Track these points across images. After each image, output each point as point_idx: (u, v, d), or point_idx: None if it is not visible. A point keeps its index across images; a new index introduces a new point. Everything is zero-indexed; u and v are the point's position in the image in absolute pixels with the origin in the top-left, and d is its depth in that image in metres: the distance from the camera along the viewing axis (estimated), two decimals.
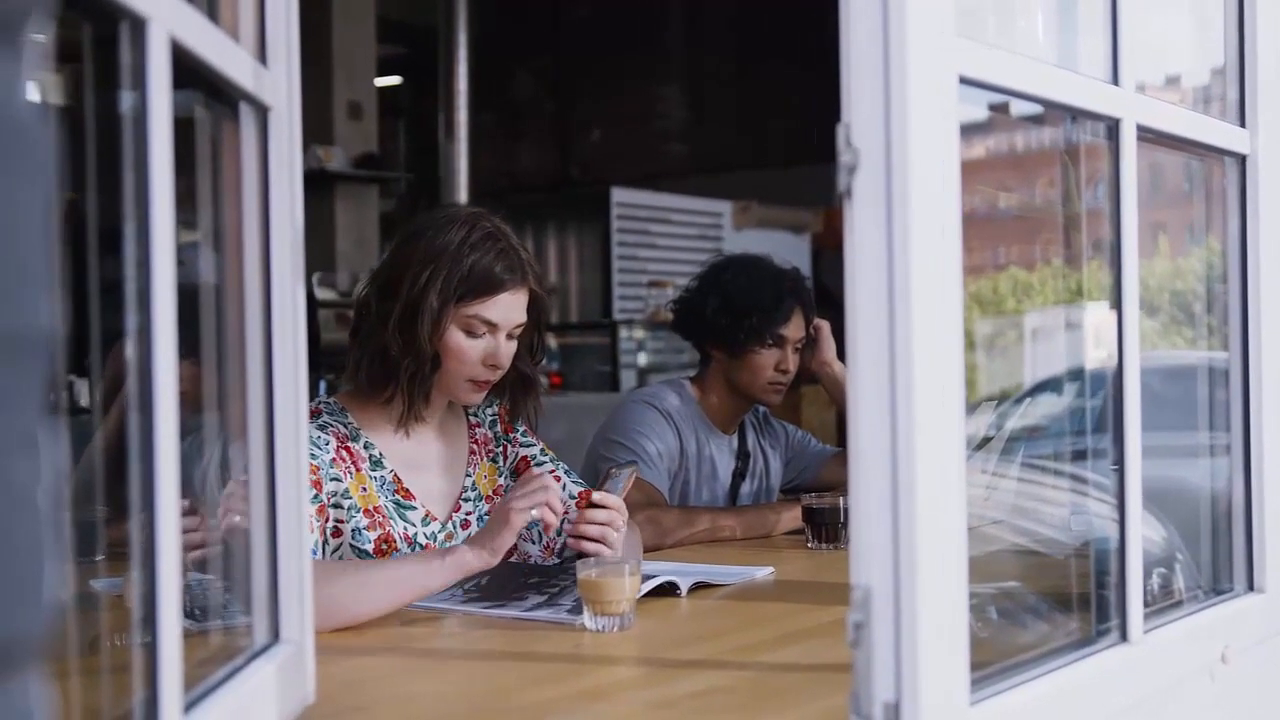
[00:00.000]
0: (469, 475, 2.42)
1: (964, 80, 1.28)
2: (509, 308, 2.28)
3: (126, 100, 1.04)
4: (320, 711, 1.48)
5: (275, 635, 1.41)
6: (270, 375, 1.40)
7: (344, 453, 2.24)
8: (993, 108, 1.54)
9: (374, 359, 2.27)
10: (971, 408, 1.34)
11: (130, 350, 1.05)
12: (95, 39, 1.05)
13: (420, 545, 2.29)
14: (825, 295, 5.18)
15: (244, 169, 1.38)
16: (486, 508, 2.41)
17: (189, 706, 1.12)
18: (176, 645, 1.05)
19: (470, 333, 2.26)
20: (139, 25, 1.02)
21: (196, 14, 1.14)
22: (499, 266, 2.25)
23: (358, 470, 2.26)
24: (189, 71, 1.14)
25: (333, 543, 2.19)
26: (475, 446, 2.45)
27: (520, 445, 2.50)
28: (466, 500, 2.40)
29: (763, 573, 2.42)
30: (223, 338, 1.40)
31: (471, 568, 2.03)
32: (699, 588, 2.26)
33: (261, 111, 1.39)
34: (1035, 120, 1.82)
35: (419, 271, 2.23)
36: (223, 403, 1.43)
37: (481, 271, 2.24)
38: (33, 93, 0.62)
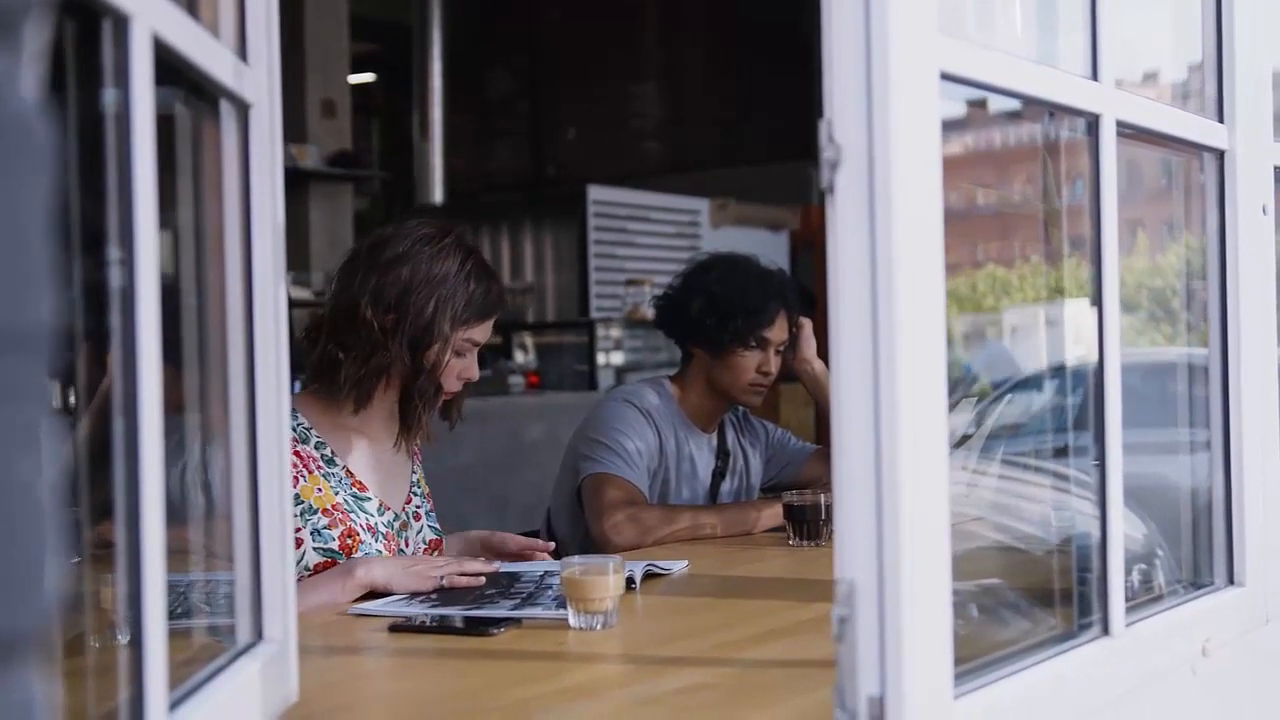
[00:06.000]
0: (415, 473, 2.55)
1: (945, 76, 1.29)
2: (491, 328, 2.46)
3: (108, 97, 1.04)
4: (303, 711, 1.48)
5: (259, 634, 1.40)
6: (252, 375, 1.40)
7: (294, 457, 2.27)
8: (971, 104, 1.54)
9: (374, 376, 2.35)
10: (951, 404, 1.34)
11: (112, 351, 1.04)
12: (75, 35, 1.04)
13: (381, 534, 2.38)
14: (802, 293, 5.18)
15: (224, 167, 1.38)
16: (429, 505, 2.56)
17: (173, 705, 1.11)
18: (162, 645, 1.04)
19: (458, 353, 2.39)
20: (121, 22, 1.02)
21: (178, 10, 1.14)
22: (495, 294, 2.42)
23: (310, 472, 2.33)
24: (169, 68, 1.14)
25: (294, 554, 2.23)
26: (416, 449, 2.57)
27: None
28: (415, 494, 2.53)
29: (678, 566, 2.45)
30: (203, 338, 1.39)
31: (375, 581, 2.17)
32: (649, 577, 2.32)
33: (242, 109, 1.38)
34: (1013, 117, 1.82)
35: (423, 299, 2.33)
36: (203, 404, 1.42)
37: (481, 300, 2.39)
38: (31, 89, 0.62)
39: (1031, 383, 2.55)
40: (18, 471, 0.59)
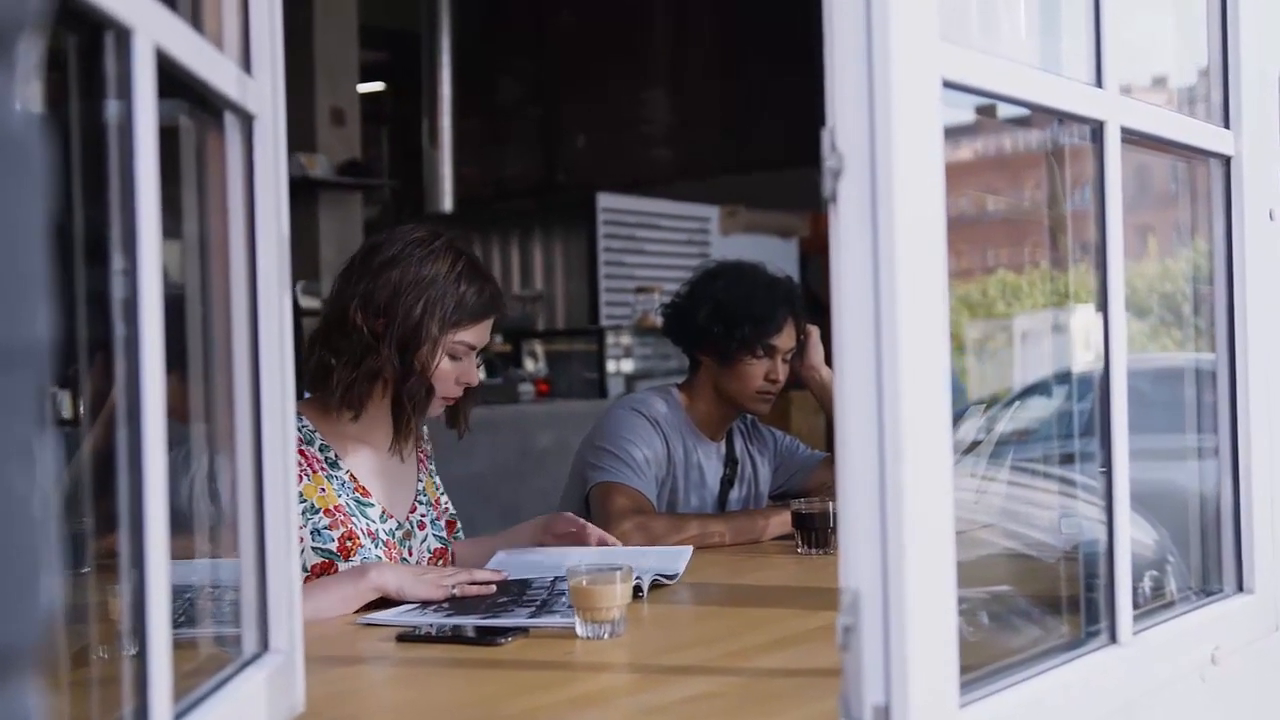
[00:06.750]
0: (420, 481, 2.54)
1: (948, 84, 1.29)
2: (487, 332, 2.44)
3: (111, 109, 1.04)
4: None
5: (264, 645, 1.41)
6: (257, 386, 1.40)
7: (298, 456, 2.27)
8: (979, 110, 1.54)
9: (366, 380, 2.35)
10: (961, 411, 1.34)
11: (116, 361, 1.05)
12: (79, 47, 1.05)
13: (382, 541, 2.38)
14: (812, 300, 5.18)
15: (229, 178, 1.38)
16: (435, 513, 2.55)
17: (178, 716, 1.11)
18: (166, 656, 1.04)
19: (453, 357, 2.38)
20: (124, 35, 1.02)
21: (181, 23, 1.14)
22: (487, 296, 2.40)
23: (314, 472, 2.34)
24: (173, 80, 1.14)
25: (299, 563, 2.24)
26: (421, 457, 2.57)
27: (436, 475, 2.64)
28: (421, 503, 2.52)
29: (684, 557, 2.47)
30: (208, 349, 1.40)
31: (387, 587, 2.16)
32: (656, 586, 2.31)
33: (246, 120, 1.38)
34: (1023, 123, 1.82)
35: (412, 300, 2.33)
36: (209, 415, 1.42)
37: (473, 301, 2.37)
38: (27, 103, 0.62)
39: (1041, 388, 2.55)
40: (12, 486, 0.60)
